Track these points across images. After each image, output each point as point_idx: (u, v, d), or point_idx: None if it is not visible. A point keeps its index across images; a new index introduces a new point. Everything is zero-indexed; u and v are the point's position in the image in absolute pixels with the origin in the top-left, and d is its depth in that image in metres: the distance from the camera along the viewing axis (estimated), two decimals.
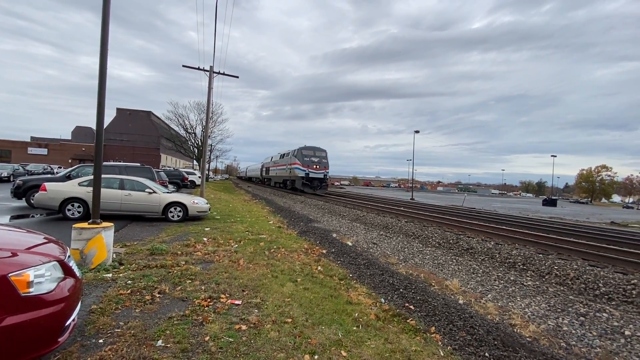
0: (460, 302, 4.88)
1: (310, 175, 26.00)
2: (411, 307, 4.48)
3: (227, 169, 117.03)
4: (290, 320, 3.55)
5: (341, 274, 5.73)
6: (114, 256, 5.37)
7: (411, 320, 3.98)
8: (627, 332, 4.20)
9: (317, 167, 26.40)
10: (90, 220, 5.07)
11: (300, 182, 26.17)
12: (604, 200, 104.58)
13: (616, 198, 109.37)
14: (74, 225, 4.89)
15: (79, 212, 9.10)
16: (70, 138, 67.69)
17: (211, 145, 47.71)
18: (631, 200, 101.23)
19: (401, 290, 5.09)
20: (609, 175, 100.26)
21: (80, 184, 9.34)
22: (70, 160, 47.83)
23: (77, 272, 2.61)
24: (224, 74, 17.96)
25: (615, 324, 4.45)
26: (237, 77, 19.47)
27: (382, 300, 4.67)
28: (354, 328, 3.57)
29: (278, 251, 6.77)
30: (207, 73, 17.51)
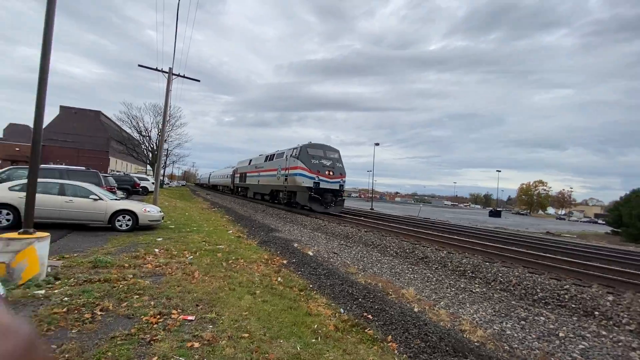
0: (416, 310, 5.05)
1: (321, 186, 17.53)
2: (369, 316, 4.55)
3: (184, 175, 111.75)
4: (247, 334, 3.41)
5: (301, 284, 5.66)
6: (49, 270, 4.82)
7: (369, 330, 4.03)
8: (561, 334, 4.61)
9: (331, 173, 18.06)
10: (22, 230, 4.53)
11: (305, 196, 17.56)
12: (540, 212, 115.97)
13: (551, 210, 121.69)
14: None
15: (7, 221, 8.10)
16: (1, 136, 60.52)
17: (167, 149, 45.33)
18: (563, 212, 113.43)
19: (360, 299, 5.15)
20: (545, 190, 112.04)
21: (10, 189, 8.36)
22: (0, 162, 42.61)
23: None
24: (184, 76, 17.28)
25: (551, 326, 4.88)
26: (199, 80, 18.87)
27: (342, 310, 4.68)
28: (313, 340, 3.52)
29: (237, 262, 6.54)
30: (166, 75, 16.74)
